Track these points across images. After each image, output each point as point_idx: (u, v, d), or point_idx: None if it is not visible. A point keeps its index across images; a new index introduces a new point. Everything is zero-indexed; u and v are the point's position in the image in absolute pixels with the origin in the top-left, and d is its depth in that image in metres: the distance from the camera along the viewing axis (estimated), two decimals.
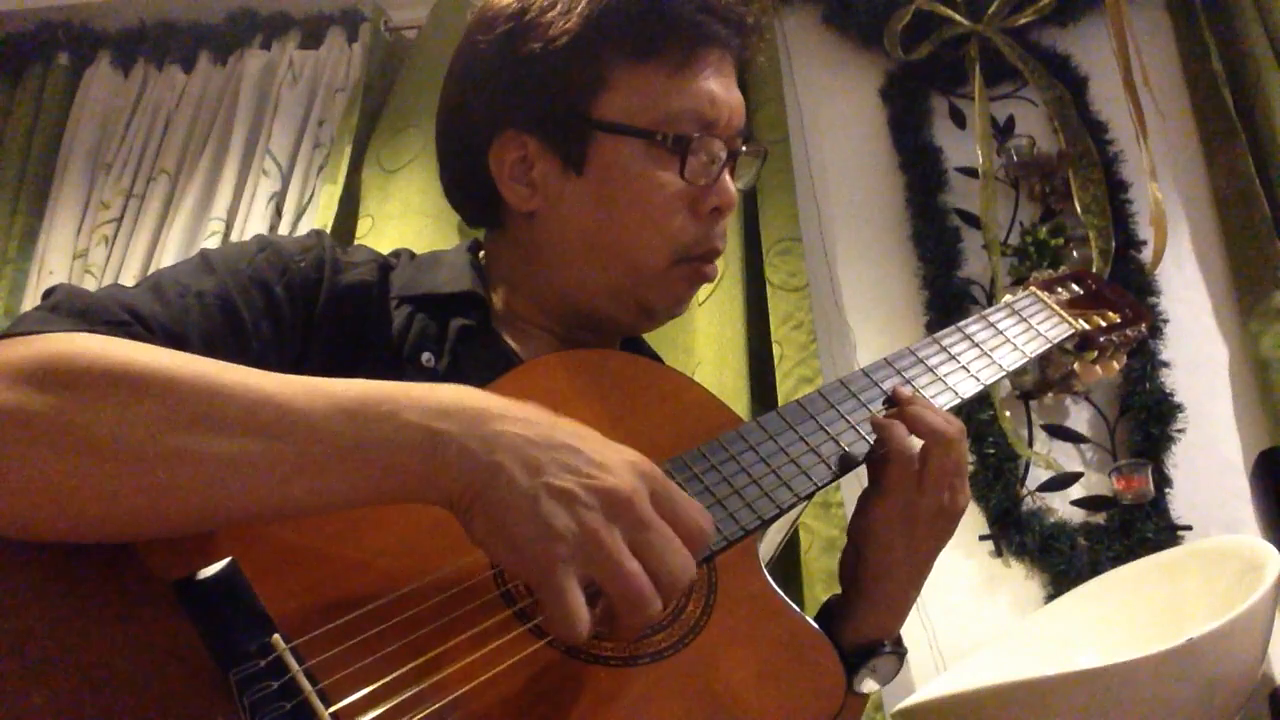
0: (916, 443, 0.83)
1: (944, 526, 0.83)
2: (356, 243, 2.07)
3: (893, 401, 0.86)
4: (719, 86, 0.88)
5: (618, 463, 0.62)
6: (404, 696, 0.58)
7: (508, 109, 0.89)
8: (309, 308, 0.82)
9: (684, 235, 0.88)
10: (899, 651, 0.85)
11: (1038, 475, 1.92)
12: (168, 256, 2.25)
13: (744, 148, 0.92)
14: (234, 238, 2.26)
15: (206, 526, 0.62)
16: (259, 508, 0.60)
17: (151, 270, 2.24)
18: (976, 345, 0.96)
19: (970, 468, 0.85)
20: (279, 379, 0.62)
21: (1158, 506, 1.82)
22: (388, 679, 0.59)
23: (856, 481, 2.10)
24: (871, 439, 0.84)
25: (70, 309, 0.70)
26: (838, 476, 0.82)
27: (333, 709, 0.56)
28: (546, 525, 0.58)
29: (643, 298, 0.90)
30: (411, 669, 0.60)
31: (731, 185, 0.90)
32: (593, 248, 0.88)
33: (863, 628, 0.84)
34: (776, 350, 1.92)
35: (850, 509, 1.83)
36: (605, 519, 0.60)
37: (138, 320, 0.72)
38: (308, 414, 0.60)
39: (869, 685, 0.85)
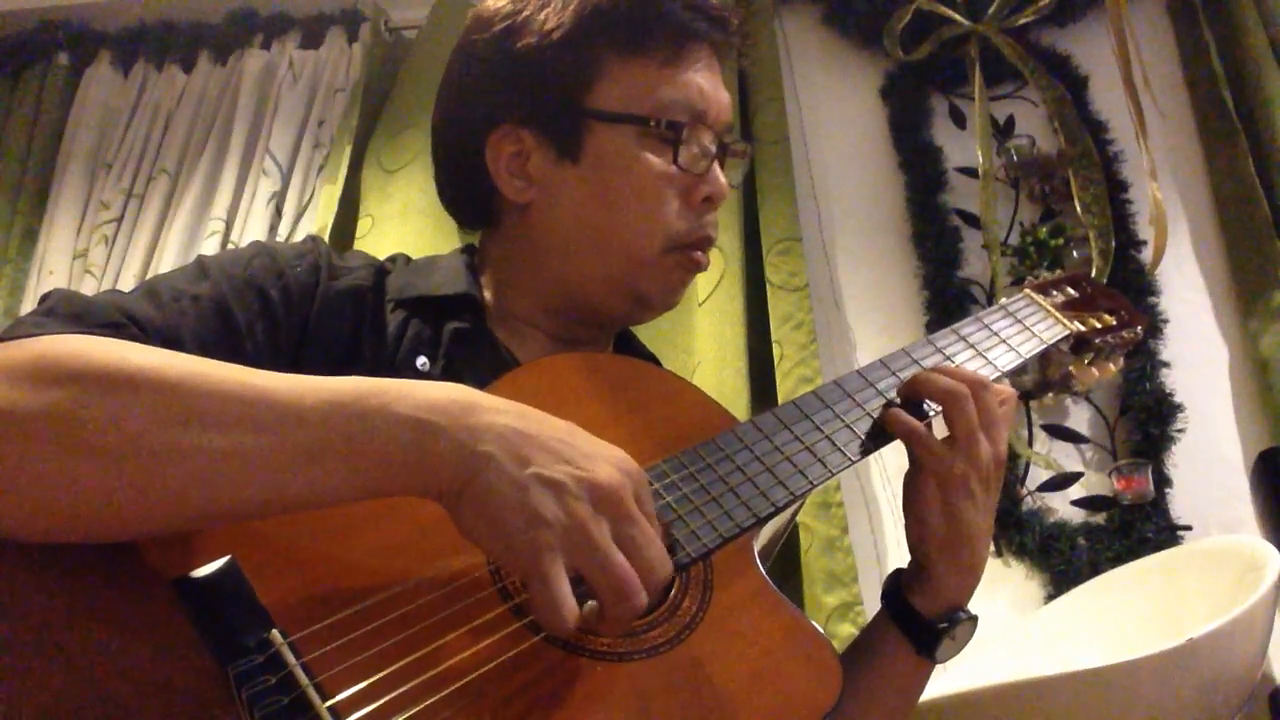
0: (930, 409, 0.84)
1: (995, 476, 0.84)
2: (357, 243, 2.08)
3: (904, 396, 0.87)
4: (707, 82, 0.91)
5: (606, 458, 0.63)
6: (401, 690, 0.58)
7: (503, 104, 0.90)
8: (304, 312, 0.82)
9: (677, 223, 0.89)
10: (974, 617, 0.86)
11: (1038, 475, 1.92)
12: (168, 256, 2.25)
13: (732, 145, 0.94)
14: (234, 238, 2.27)
15: (202, 523, 0.62)
16: (253, 502, 0.60)
17: (151, 271, 2.26)
18: (971, 346, 0.96)
19: None
20: (271, 375, 0.63)
21: (1158, 506, 1.81)
22: (385, 673, 0.59)
23: (856, 480, 2.10)
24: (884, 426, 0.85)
25: (66, 312, 0.71)
26: (852, 464, 0.83)
27: (330, 702, 0.56)
28: (535, 513, 0.59)
29: (637, 286, 0.91)
30: (409, 663, 0.60)
31: (722, 176, 0.91)
32: (588, 236, 0.90)
33: (943, 593, 0.85)
34: (776, 350, 1.92)
35: (850, 509, 1.85)
36: (592, 510, 0.60)
37: (133, 323, 0.72)
38: (299, 408, 0.60)
39: (947, 651, 0.85)
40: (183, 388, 0.60)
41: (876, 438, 0.85)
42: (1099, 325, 1.07)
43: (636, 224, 0.89)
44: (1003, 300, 1.06)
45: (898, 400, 0.86)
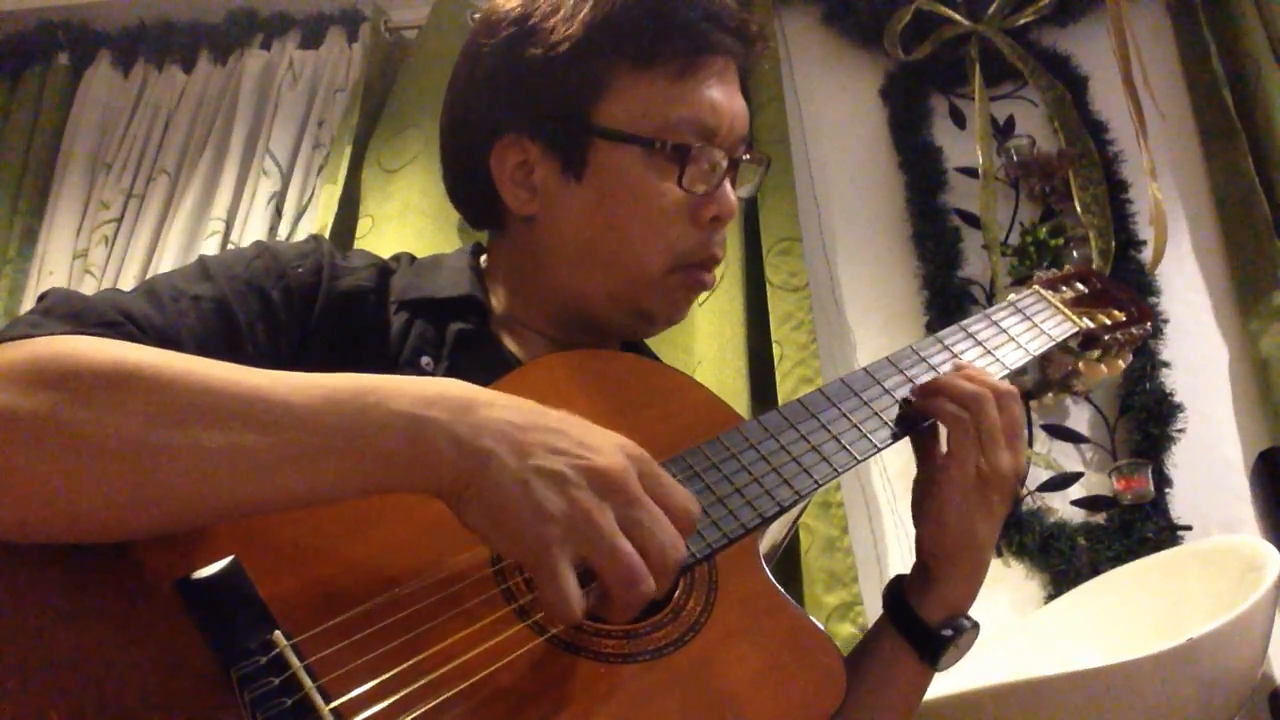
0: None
1: (1011, 485, 0.83)
2: (356, 243, 2.07)
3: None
4: (721, 95, 0.88)
5: (606, 443, 0.63)
6: (404, 692, 0.58)
7: (509, 113, 0.89)
8: (306, 313, 0.82)
9: (682, 243, 0.88)
10: (976, 624, 0.85)
11: (1038, 475, 1.92)
12: (168, 256, 2.25)
13: (746, 156, 0.92)
14: (234, 238, 2.26)
15: (201, 522, 0.62)
16: (252, 499, 0.60)
17: (151, 271, 2.26)
18: (980, 344, 0.95)
19: None
20: (268, 374, 0.63)
21: (1158, 506, 1.81)
22: (388, 675, 0.59)
23: (856, 480, 2.10)
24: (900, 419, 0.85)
25: (63, 312, 0.70)
26: (859, 462, 0.83)
27: (333, 705, 0.56)
28: (539, 508, 0.59)
29: (640, 304, 0.90)
30: (412, 665, 0.60)
31: (732, 194, 0.89)
32: (591, 253, 0.88)
33: (949, 600, 0.84)
34: (776, 350, 1.92)
35: (850, 509, 1.84)
36: (596, 498, 0.60)
37: (131, 322, 0.72)
38: (297, 405, 0.60)
39: (950, 659, 0.84)
40: (178, 386, 0.60)
41: (884, 434, 0.84)
42: (1108, 322, 1.06)
43: (640, 245, 0.87)
44: (1011, 296, 1.05)
45: (911, 399, 0.85)
